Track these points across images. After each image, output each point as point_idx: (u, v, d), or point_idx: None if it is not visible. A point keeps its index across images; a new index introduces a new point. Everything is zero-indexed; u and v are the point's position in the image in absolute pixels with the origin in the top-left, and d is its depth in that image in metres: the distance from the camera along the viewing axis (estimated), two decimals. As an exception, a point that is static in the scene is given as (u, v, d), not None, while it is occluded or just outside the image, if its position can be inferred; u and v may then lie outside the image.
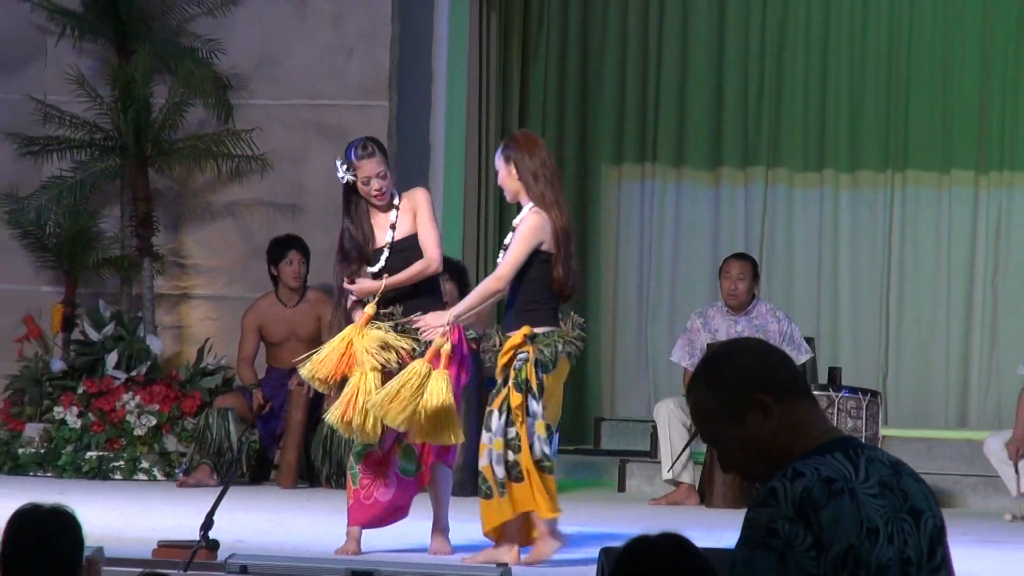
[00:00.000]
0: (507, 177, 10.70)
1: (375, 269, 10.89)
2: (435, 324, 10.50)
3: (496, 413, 10.54)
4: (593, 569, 9.19)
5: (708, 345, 13.78)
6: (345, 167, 10.89)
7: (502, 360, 10.52)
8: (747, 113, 16.39)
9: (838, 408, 13.49)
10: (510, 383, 10.47)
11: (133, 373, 14.38)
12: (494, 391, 10.84)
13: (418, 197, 11.13)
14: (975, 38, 16.13)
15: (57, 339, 14.67)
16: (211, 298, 14.72)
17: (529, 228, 10.49)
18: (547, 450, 10.73)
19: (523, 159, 10.69)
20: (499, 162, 10.84)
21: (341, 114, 14.33)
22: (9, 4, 14.73)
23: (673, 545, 5.18)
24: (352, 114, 14.33)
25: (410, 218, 11.00)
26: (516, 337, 10.40)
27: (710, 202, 16.42)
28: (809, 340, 14.45)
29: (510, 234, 10.97)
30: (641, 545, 5.26)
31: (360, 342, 10.78)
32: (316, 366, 10.96)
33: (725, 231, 16.12)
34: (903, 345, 16.11)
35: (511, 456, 10.49)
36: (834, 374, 14.15)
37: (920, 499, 4.02)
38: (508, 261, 10.55)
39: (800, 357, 14.06)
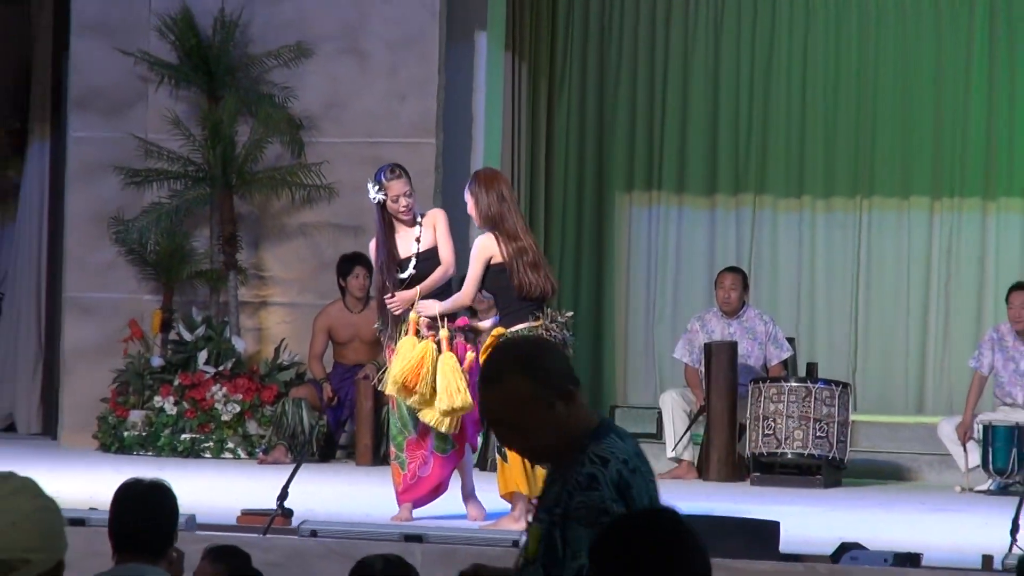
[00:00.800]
0: (471, 207, 10.80)
1: (405, 275, 10.92)
2: (428, 311, 10.68)
3: None
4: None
5: (705, 345, 13.97)
6: (376, 188, 10.95)
7: (483, 357, 10.41)
8: (737, 149, 16.36)
9: (815, 397, 13.54)
10: None
11: (220, 368, 14.43)
12: None
13: (437, 215, 11.26)
14: (929, 85, 16.11)
15: (156, 340, 14.66)
16: (286, 305, 14.69)
17: (476, 249, 10.67)
18: None
19: (480, 193, 10.77)
20: (466, 195, 10.91)
21: (395, 150, 14.31)
22: (116, 57, 14.73)
23: (671, 516, 5.33)
24: (404, 150, 14.26)
25: (431, 232, 11.05)
26: (490, 338, 10.56)
27: (706, 223, 16.40)
28: (790, 340, 14.55)
29: None
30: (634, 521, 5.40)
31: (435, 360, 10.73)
32: (401, 380, 10.82)
33: (719, 248, 16.08)
34: (869, 344, 16.13)
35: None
36: (811, 368, 14.14)
37: None
38: (467, 280, 10.72)
39: (783, 354, 14.22)
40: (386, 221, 11.08)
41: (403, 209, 10.97)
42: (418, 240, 11.05)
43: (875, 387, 15.85)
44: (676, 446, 14.11)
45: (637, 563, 4.91)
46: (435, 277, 10.98)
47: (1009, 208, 16.03)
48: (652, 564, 4.90)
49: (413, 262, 10.99)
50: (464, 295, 10.88)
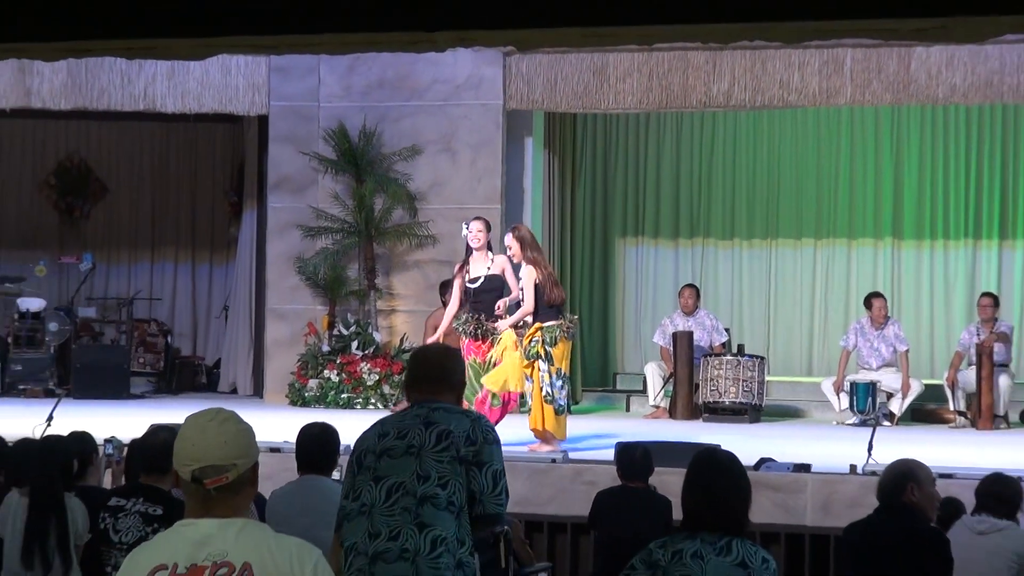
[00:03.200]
0: (516, 249, 10.79)
1: (474, 286, 10.90)
2: (504, 326, 10.71)
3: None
4: (612, 452, 9.59)
5: (673, 334, 13.96)
6: (465, 226, 11.10)
7: (525, 341, 10.71)
8: (691, 211, 16.34)
9: (742, 366, 13.52)
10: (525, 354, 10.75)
11: (366, 352, 14.34)
12: None
13: (504, 260, 11.05)
14: (813, 173, 16.12)
15: (325, 335, 14.56)
16: (406, 311, 14.62)
17: (530, 278, 10.67)
18: (554, 392, 10.74)
19: (524, 239, 10.85)
20: (510, 240, 10.88)
21: (474, 213, 14.43)
22: (298, 156, 14.77)
23: (717, 451, 5.39)
24: (481, 214, 14.40)
25: (499, 268, 11.00)
26: (532, 330, 10.66)
27: (672, 257, 16.33)
28: (727, 330, 14.51)
29: (522, 277, 10.93)
30: (704, 454, 5.42)
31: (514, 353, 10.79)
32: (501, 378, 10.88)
33: (680, 272, 15.98)
34: (777, 332, 16.13)
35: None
36: (740, 348, 14.16)
37: None
38: (528, 298, 10.70)
39: (722, 339, 14.17)
40: (467, 251, 11.09)
41: (473, 236, 10.97)
42: (488, 268, 11.00)
43: (781, 359, 15.75)
44: (655, 398, 14.12)
45: (710, 467, 5.08)
46: (521, 313, 10.88)
47: (864, 245, 15.99)
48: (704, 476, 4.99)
49: (481, 280, 10.91)
50: (529, 307, 10.81)
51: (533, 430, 10.87)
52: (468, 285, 11.01)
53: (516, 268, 11.14)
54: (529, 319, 10.93)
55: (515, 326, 10.89)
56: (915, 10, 4.99)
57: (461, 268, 11.13)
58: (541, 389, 10.80)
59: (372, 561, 4.94)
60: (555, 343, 10.83)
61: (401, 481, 4.99)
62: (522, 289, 11.01)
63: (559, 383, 10.88)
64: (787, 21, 5.16)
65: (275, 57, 13.99)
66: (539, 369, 10.85)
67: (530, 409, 10.92)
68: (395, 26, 5.39)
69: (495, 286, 11.00)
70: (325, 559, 3.70)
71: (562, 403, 10.92)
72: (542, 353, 10.83)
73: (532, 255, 10.91)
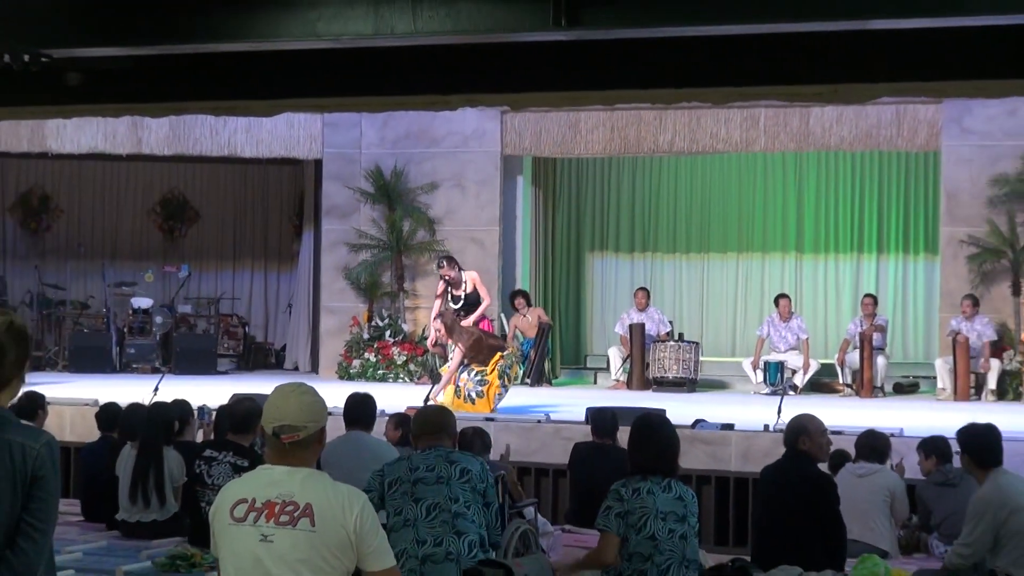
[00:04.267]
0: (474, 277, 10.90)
1: (457, 306, 10.78)
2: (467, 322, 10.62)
3: None
4: (582, 416, 9.51)
5: (630, 325, 13.84)
6: (437, 268, 11.06)
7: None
8: (645, 230, 16.16)
9: (683, 350, 13.50)
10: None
11: (397, 338, 14.25)
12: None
13: (473, 274, 11.00)
14: (753, 192, 15.98)
15: (365, 326, 14.43)
16: (426, 308, 14.23)
17: (481, 282, 10.93)
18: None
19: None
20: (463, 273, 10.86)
21: (479, 233, 14.23)
22: (345, 190, 14.71)
23: (657, 414, 5.42)
24: (484, 234, 14.17)
25: (471, 284, 10.88)
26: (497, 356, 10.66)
27: (628, 266, 16.17)
28: (671, 322, 14.35)
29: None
30: (643, 419, 5.57)
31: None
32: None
33: (635, 278, 15.76)
34: (709, 324, 15.92)
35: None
36: (680, 335, 13.99)
37: None
38: (485, 299, 10.80)
39: (667, 329, 14.04)
40: (444, 280, 10.94)
41: (444, 273, 10.83)
42: (464, 286, 10.92)
43: (712, 344, 15.53)
44: (616, 373, 14.01)
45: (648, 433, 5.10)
46: (481, 308, 10.85)
47: (774, 257, 15.91)
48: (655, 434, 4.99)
49: (461, 298, 10.83)
50: (487, 306, 11.01)
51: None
52: (452, 305, 10.90)
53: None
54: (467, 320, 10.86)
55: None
56: (813, 78, 5.01)
57: (442, 294, 11.02)
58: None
59: (423, 562, 5.04)
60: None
61: (437, 502, 5.13)
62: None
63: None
64: (716, 87, 5.18)
65: (327, 114, 14.13)
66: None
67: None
68: (418, 91, 5.41)
69: (472, 300, 10.93)
70: (371, 504, 3.71)
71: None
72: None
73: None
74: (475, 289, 10.94)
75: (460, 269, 11.04)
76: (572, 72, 5.31)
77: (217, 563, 3.71)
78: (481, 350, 10.67)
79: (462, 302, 10.90)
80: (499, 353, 10.69)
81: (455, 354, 10.74)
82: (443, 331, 10.78)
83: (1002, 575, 5.73)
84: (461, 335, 10.62)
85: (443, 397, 10.61)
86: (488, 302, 11.11)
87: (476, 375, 10.66)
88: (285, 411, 3.70)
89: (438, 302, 11.02)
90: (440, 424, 5.40)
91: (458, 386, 10.70)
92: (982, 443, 6.01)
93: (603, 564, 5.19)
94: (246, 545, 3.63)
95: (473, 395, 10.63)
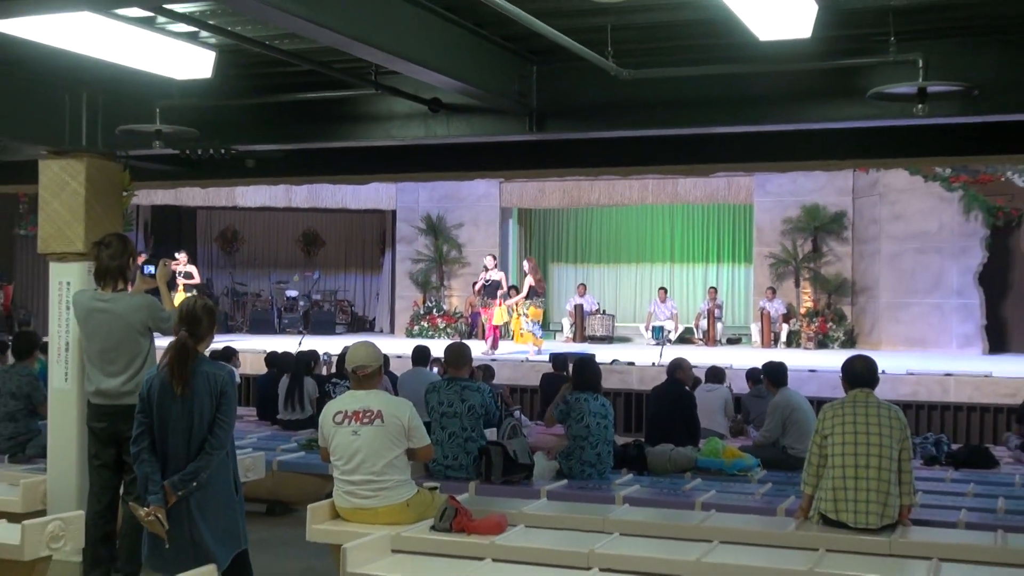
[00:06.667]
0: (532, 268, 10.69)
1: (488, 286, 10.69)
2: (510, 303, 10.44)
3: None
4: (547, 358, 9.21)
5: (576, 304, 13.67)
6: (486, 268, 10.96)
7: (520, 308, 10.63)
8: (588, 247, 15.87)
9: (605, 318, 13.45)
10: None
11: (440, 314, 13.99)
12: None
13: (501, 274, 11.00)
14: (651, 226, 15.72)
15: (421, 306, 14.18)
16: (458, 296, 14.33)
17: (505, 280, 10.96)
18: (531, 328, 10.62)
19: (532, 265, 10.75)
20: (528, 265, 10.81)
21: (486, 253, 13.99)
22: (410, 227, 14.47)
23: (590, 356, 5.37)
24: (489, 253, 14.01)
25: (499, 276, 10.88)
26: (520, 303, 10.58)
27: (574, 271, 15.71)
28: (599, 303, 14.18)
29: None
30: (581, 360, 5.49)
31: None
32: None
33: (579, 277, 15.29)
34: (623, 306, 15.45)
35: None
36: (605, 311, 13.85)
37: None
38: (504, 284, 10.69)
39: (595, 307, 13.81)
40: (485, 272, 10.87)
41: (491, 269, 10.75)
42: (491, 278, 10.85)
43: (622, 315, 15.10)
44: (567, 333, 13.70)
45: (585, 367, 5.00)
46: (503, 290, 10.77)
47: (658, 264, 15.54)
48: (589, 368, 4.97)
49: (490, 284, 10.79)
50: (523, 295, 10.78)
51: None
52: (485, 285, 10.86)
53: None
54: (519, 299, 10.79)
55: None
56: (684, 160, 4.99)
57: (479, 284, 11.03)
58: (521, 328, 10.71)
59: (446, 468, 4.78)
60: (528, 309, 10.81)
61: (454, 431, 4.82)
62: (512, 285, 10.94)
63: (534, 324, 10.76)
64: (632, 166, 5.19)
65: (398, 183, 14.05)
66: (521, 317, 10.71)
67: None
68: (450, 169, 5.41)
69: (496, 285, 10.82)
70: (415, 410, 3.69)
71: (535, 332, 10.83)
72: (526, 312, 10.72)
73: (535, 272, 10.96)
74: (501, 280, 10.99)
75: (495, 268, 11.18)
76: (540, 159, 5.30)
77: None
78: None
79: (490, 285, 10.98)
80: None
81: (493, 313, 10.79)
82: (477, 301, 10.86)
83: (788, 448, 5.69)
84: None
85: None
86: (504, 288, 11.09)
87: (530, 322, 10.71)
88: (357, 357, 3.76)
89: (478, 287, 11.09)
90: (460, 358, 4.97)
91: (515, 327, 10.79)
92: (776, 372, 6.01)
93: (548, 424, 5.39)
94: (345, 438, 3.68)
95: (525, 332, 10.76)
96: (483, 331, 12.33)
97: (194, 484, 2.94)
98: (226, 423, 3.04)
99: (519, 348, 11.31)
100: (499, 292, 10.96)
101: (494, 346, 11.01)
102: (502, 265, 14.53)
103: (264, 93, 4.44)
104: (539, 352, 9.50)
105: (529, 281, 10.91)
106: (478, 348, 10.39)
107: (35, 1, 2.22)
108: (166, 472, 2.97)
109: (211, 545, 2.94)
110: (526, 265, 11.25)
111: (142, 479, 2.98)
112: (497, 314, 10.95)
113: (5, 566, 3.24)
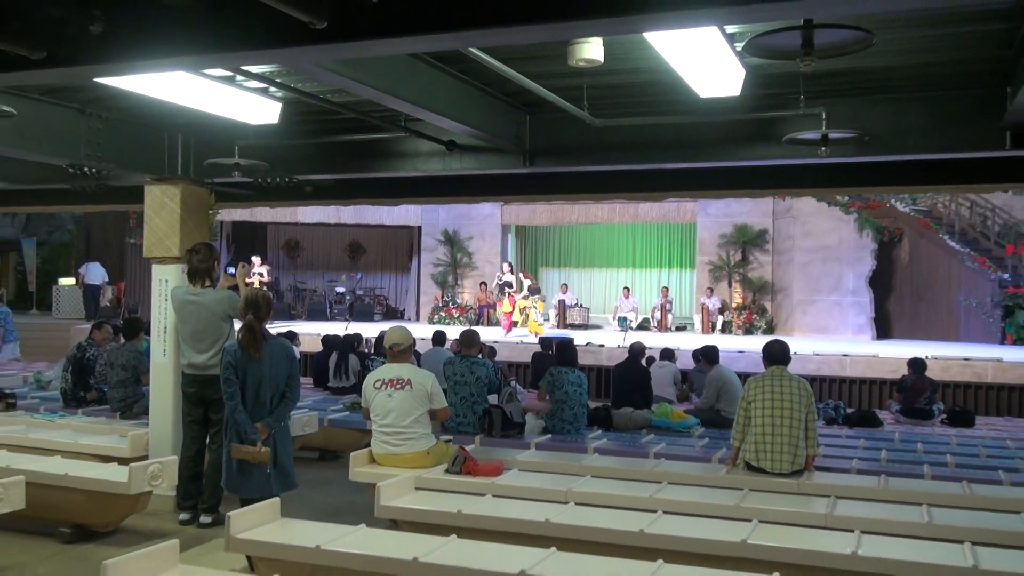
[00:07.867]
0: (523, 276, 10.47)
1: (500, 284, 10.54)
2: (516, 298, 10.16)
3: None
4: (536, 340, 9.22)
5: (559, 300, 13.33)
6: (500, 274, 10.84)
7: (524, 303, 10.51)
8: (570, 256, 15.59)
9: (582, 310, 13.16)
10: None
11: (455, 306, 13.69)
12: None
13: (512, 276, 10.83)
14: (618, 238, 15.46)
15: (440, 301, 13.90)
16: (469, 293, 14.09)
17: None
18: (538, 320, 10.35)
19: (526, 274, 10.51)
20: (521, 275, 10.49)
21: (491, 261, 13.98)
22: (432, 240, 14.24)
23: (570, 339, 5.31)
24: (493, 261, 13.92)
25: (510, 277, 10.67)
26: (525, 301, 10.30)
27: (558, 274, 15.36)
28: (578, 298, 13.85)
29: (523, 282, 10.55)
30: (562, 343, 5.36)
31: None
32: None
33: (562, 278, 14.95)
34: (595, 303, 15.18)
35: None
36: (582, 305, 13.59)
37: None
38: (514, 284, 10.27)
39: (575, 302, 13.49)
40: (501, 274, 10.69)
41: (504, 274, 10.59)
42: (503, 279, 10.75)
43: (596, 308, 14.91)
44: (553, 322, 13.39)
45: (566, 348, 4.81)
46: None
47: (622, 269, 15.27)
48: (569, 348, 4.88)
49: (503, 283, 10.67)
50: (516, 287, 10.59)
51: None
52: (499, 284, 10.83)
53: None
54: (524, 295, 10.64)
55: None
56: (643, 188, 4.96)
57: (495, 283, 10.93)
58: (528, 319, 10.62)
59: (458, 426, 4.76)
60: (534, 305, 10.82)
61: (465, 396, 4.81)
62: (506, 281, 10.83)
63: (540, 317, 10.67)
64: (607, 193, 5.16)
65: (422, 205, 13.80)
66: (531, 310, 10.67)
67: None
68: (461, 195, 5.39)
69: (508, 284, 10.87)
70: (436, 379, 3.71)
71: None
72: (535, 307, 10.71)
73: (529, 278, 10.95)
74: (511, 281, 10.92)
75: (510, 272, 11.17)
76: (532, 187, 5.28)
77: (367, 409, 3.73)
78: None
79: (503, 283, 11.02)
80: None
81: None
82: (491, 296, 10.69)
83: (722, 411, 5.68)
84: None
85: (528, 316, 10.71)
86: (513, 287, 11.09)
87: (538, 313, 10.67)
88: (394, 337, 3.81)
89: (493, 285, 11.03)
90: (471, 341, 4.97)
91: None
92: (711, 353, 6.07)
93: (540, 398, 5.14)
94: (382, 399, 3.67)
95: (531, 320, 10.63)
96: (488, 319, 12.36)
97: (281, 423, 3.23)
98: (296, 383, 3.36)
99: (525, 334, 11.28)
100: (509, 290, 11.06)
101: (508, 330, 11.10)
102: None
103: (319, 135, 4.56)
104: (540, 337, 9.42)
105: (528, 283, 10.96)
106: (484, 333, 10.22)
107: (143, 63, 2.33)
108: (252, 415, 3.23)
109: (290, 469, 3.23)
110: (521, 276, 11.35)
111: (243, 424, 3.20)
112: (513, 309, 11.08)
113: (116, 498, 3.47)
